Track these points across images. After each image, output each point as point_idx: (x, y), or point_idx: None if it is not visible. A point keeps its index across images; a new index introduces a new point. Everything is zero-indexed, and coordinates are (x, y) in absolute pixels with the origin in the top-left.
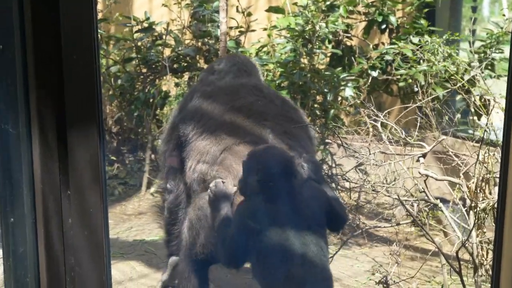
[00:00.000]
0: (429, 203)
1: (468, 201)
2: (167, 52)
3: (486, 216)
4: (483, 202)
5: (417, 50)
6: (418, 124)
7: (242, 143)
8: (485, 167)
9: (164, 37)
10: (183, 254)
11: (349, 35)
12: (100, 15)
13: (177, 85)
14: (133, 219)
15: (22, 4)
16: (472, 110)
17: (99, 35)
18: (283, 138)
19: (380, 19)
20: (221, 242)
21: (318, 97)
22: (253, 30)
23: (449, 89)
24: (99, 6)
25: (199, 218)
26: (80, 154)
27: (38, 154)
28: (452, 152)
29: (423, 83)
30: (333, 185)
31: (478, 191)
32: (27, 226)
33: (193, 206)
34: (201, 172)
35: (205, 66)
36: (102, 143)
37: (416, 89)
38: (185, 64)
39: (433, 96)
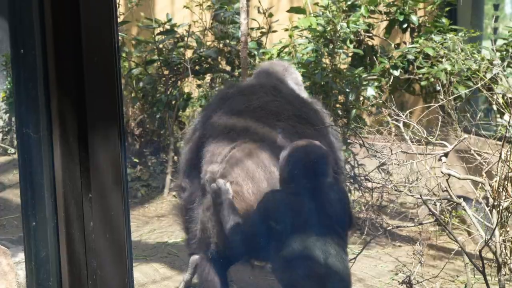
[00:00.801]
0: (452, 202)
1: (491, 200)
2: (188, 53)
3: (509, 214)
4: (506, 201)
5: (439, 48)
6: (439, 123)
7: (249, 142)
8: (507, 165)
9: (185, 39)
10: (201, 253)
11: (370, 34)
12: (121, 18)
13: (199, 86)
14: (156, 221)
15: (42, 8)
16: (495, 108)
17: (120, 38)
18: (293, 139)
19: (401, 18)
20: (233, 238)
21: (340, 97)
22: (275, 31)
23: (471, 88)
24: (121, 9)
25: (209, 218)
26: (101, 156)
27: (60, 157)
28: (474, 150)
29: (445, 81)
30: (356, 185)
31: (501, 189)
32: (49, 230)
33: (203, 206)
34: (212, 172)
35: (227, 68)
36: (123, 146)
37: (438, 88)
38: (207, 66)
39: (456, 95)
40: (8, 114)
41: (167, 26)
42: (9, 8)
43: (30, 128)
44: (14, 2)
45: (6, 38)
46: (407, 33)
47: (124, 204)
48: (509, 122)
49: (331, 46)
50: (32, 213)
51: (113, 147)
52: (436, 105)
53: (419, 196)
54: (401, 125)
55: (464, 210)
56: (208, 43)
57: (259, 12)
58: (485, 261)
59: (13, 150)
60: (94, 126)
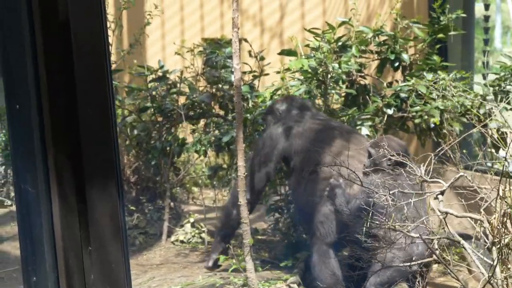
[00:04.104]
0: (451, 240)
1: (490, 237)
2: (182, 99)
3: (509, 251)
4: (506, 237)
5: (431, 86)
6: (433, 161)
7: (344, 147)
8: (505, 202)
9: (178, 85)
10: (317, 246)
11: (362, 74)
12: (114, 66)
13: (193, 132)
14: (155, 269)
15: (36, 62)
16: (489, 143)
17: (114, 86)
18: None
19: (392, 57)
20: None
21: None
22: (267, 74)
23: (466, 123)
24: (113, 57)
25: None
26: (99, 208)
27: (58, 210)
28: (472, 186)
29: (439, 119)
30: None
31: (501, 226)
32: (50, 284)
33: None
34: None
35: (221, 112)
36: (121, 196)
37: (432, 126)
38: (200, 111)
39: (449, 131)
40: (4, 167)
41: (160, 73)
42: (3, 64)
43: (28, 183)
44: (8, 58)
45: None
46: (399, 72)
47: (123, 254)
48: (505, 157)
49: (323, 87)
50: (32, 268)
51: (111, 198)
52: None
53: (418, 236)
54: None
55: (464, 248)
56: (201, 88)
57: (250, 55)
58: None
59: (9, 202)
60: (91, 178)
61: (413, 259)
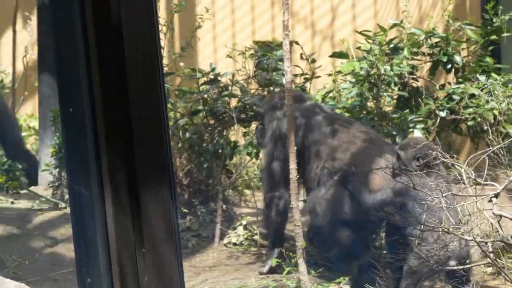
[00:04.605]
0: (505, 243)
1: None
2: (233, 102)
3: None
4: None
5: (484, 88)
6: (487, 163)
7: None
8: None
9: (230, 87)
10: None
11: (414, 76)
12: (166, 69)
13: (245, 134)
14: (208, 271)
15: (90, 66)
16: None
17: (166, 90)
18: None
19: (445, 59)
20: None
21: (387, 140)
22: (318, 77)
23: None
24: (165, 61)
25: None
26: (153, 210)
27: (112, 212)
28: None
29: (492, 121)
30: None
31: None
32: (104, 286)
33: None
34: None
35: None
36: (174, 198)
37: (485, 128)
38: (252, 113)
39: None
40: (57, 169)
41: (211, 76)
42: (57, 67)
43: (82, 185)
44: (62, 62)
45: (53, 94)
46: (452, 73)
47: (177, 256)
48: None
49: (375, 89)
50: (86, 270)
51: (164, 200)
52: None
53: (472, 239)
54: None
55: None
56: (252, 91)
57: (301, 58)
58: None
59: (63, 205)
60: (144, 181)
61: (451, 256)
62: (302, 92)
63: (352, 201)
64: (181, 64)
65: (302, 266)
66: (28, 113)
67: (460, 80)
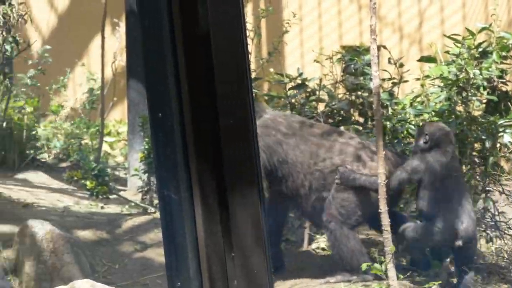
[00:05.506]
0: None
1: None
2: (321, 107)
3: None
4: None
5: None
6: None
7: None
8: None
9: (317, 92)
10: None
11: (504, 80)
12: (253, 74)
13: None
14: (296, 276)
15: (178, 74)
16: None
17: (254, 96)
18: None
19: None
20: None
21: (476, 145)
22: (406, 81)
23: None
24: (252, 66)
25: None
26: (241, 215)
27: (201, 217)
28: None
29: None
30: (498, 233)
31: None
32: None
33: None
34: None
35: (360, 119)
36: (262, 203)
37: None
38: (340, 118)
39: None
40: (146, 174)
41: (299, 81)
42: (145, 73)
43: (171, 190)
44: (151, 68)
45: (142, 100)
46: None
47: (266, 261)
48: None
49: (464, 93)
50: (176, 274)
51: (253, 205)
52: None
53: None
54: None
55: None
56: (340, 96)
57: (389, 62)
58: None
59: (152, 209)
60: (233, 185)
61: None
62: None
63: None
64: (271, 69)
65: (392, 271)
66: (116, 119)
67: None
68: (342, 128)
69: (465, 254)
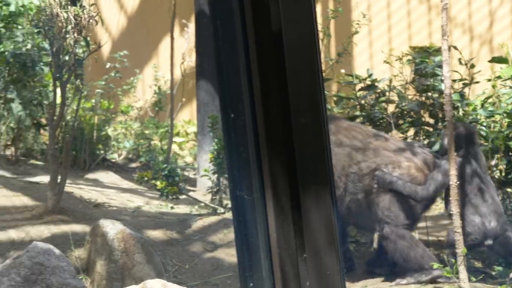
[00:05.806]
0: None
1: None
2: (391, 108)
3: None
4: None
5: None
6: None
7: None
8: None
9: (387, 93)
10: None
11: None
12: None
13: (404, 140)
14: (368, 277)
15: (250, 74)
16: None
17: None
18: None
19: None
20: None
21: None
22: (477, 82)
23: None
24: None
25: None
26: (314, 216)
27: (273, 218)
28: None
29: None
30: None
31: None
32: None
33: None
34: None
35: (430, 121)
36: (334, 205)
37: None
38: (410, 119)
39: None
40: (216, 175)
41: (368, 82)
42: (217, 73)
43: (244, 191)
44: (223, 68)
45: (211, 101)
46: None
47: (338, 263)
48: None
49: None
50: (249, 274)
51: (325, 206)
52: None
53: None
54: None
55: None
56: (410, 97)
57: (460, 63)
58: None
59: (222, 210)
60: (305, 186)
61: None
62: None
63: None
64: (342, 70)
65: (463, 273)
66: (185, 119)
67: None
68: (411, 129)
69: (503, 249)
